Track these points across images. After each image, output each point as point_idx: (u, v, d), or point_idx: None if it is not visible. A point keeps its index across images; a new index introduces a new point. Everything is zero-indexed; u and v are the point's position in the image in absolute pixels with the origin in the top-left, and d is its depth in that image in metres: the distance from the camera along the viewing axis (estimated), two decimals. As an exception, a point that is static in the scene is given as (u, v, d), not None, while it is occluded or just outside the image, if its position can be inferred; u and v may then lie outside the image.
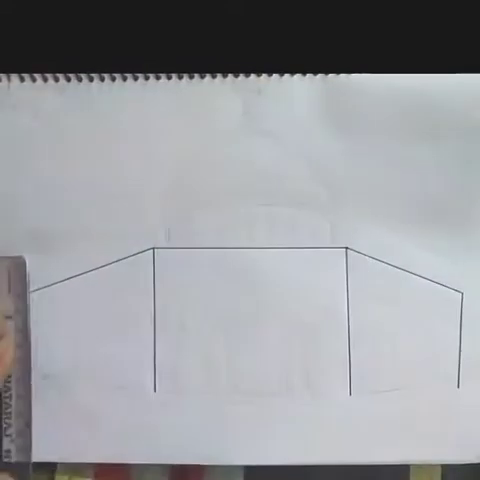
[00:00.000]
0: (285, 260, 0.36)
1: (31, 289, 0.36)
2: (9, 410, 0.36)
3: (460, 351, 0.35)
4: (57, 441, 0.36)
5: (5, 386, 0.36)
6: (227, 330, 0.36)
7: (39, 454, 0.36)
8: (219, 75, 0.35)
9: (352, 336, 0.35)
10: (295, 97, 0.35)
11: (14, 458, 0.36)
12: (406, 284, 0.35)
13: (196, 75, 0.35)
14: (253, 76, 0.35)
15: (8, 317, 0.35)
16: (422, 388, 0.35)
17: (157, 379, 0.36)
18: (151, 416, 0.36)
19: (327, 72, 0.35)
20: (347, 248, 0.36)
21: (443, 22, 0.32)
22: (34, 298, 0.36)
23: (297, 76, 0.35)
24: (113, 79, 0.36)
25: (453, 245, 0.36)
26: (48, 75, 0.36)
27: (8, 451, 0.36)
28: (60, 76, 0.36)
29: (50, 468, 0.36)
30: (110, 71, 0.35)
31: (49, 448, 0.36)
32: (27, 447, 0.35)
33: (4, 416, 0.36)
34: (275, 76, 0.35)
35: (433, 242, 0.36)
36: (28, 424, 0.35)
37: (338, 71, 0.35)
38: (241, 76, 0.35)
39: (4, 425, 0.36)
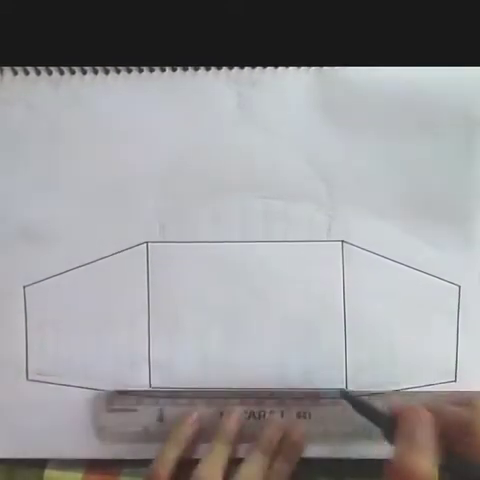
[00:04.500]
0: (281, 254, 0.35)
1: (25, 284, 0.36)
2: None
3: (457, 344, 0.35)
4: (49, 438, 0.35)
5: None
6: (223, 324, 0.35)
7: (30, 450, 0.36)
8: (213, 67, 0.35)
9: (348, 330, 0.35)
10: (290, 89, 0.35)
11: None
12: (403, 277, 0.35)
13: (190, 68, 0.35)
14: (247, 68, 0.35)
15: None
16: (419, 382, 0.34)
17: (152, 374, 0.35)
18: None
19: (322, 65, 0.35)
20: (343, 241, 0.35)
21: (441, 15, 0.32)
22: (27, 293, 0.36)
23: (292, 68, 0.35)
24: (106, 72, 0.36)
25: (451, 239, 0.35)
26: (41, 68, 0.35)
27: None
28: (53, 69, 0.36)
29: (40, 464, 0.36)
30: (103, 64, 0.35)
31: (40, 445, 0.36)
32: None
33: None
34: (269, 68, 0.35)
35: (431, 236, 0.35)
36: None
37: (334, 64, 0.34)
38: (235, 68, 0.35)
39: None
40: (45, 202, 0.36)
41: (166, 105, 0.36)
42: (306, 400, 0.34)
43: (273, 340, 0.35)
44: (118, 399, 0.35)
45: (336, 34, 0.33)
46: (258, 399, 0.34)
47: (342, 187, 0.35)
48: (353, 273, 0.35)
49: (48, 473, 0.36)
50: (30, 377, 0.36)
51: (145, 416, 0.35)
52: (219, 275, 0.36)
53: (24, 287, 0.36)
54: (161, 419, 0.34)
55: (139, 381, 0.35)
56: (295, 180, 0.36)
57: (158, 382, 0.35)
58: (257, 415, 0.34)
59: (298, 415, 0.34)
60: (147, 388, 0.35)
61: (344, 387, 0.35)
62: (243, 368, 0.35)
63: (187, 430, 0.33)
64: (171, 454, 0.32)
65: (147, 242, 0.36)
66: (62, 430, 0.35)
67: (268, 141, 0.35)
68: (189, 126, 0.36)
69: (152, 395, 0.35)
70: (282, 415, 0.34)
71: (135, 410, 0.35)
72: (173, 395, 0.35)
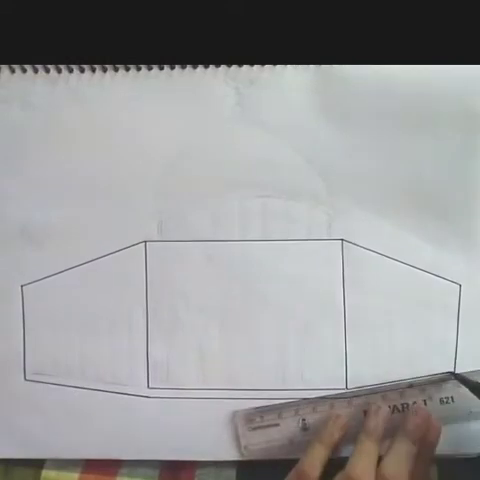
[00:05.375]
0: (280, 253, 0.35)
1: (23, 283, 0.36)
2: None
3: (457, 343, 0.34)
4: (47, 438, 0.35)
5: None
6: (221, 323, 0.35)
7: (27, 450, 0.35)
8: (212, 65, 0.35)
9: (348, 328, 0.35)
10: (289, 87, 0.35)
11: None
12: (403, 276, 0.35)
13: (188, 65, 0.35)
14: (246, 66, 0.35)
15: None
16: (419, 381, 0.34)
17: (150, 374, 0.35)
18: (144, 412, 0.35)
19: (321, 63, 0.35)
20: (343, 240, 0.35)
21: (441, 13, 0.32)
22: (25, 292, 0.36)
23: (290, 66, 0.35)
24: (104, 70, 0.35)
25: (451, 237, 0.35)
26: (39, 66, 0.35)
27: None
28: (51, 67, 0.35)
29: (37, 463, 0.36)
30: (102, 62, 0.35)
31: (38, 445, 0.35)
32: None
33: None
34: (268, 66, 0.35)
35: (431, 234, 0.35)
36: None
37: (333, 62, 0.34)
38: (234, 66, 0.35)
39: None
40: (43, 201, 0.36)
41: (164, 103, 0.35)
42: (447, 384, 0.34)
43: (272, 339, 0.35)
44: (258, 416, 0.35)
45: (335, 32, 0.33)
46: (399, 391, 0.34)
47: (342, 185, 0.35)
48: (353, 272, 0.35)
49: (45, 473, 0.35)
50: (28, 377, 0.36)
51: (288, 429, 0.35)
52: (218, 274, 0.35)
53: (22, 286, 0.36)
54: (305, 428, 0.34)
55: (137, 381, 0.35)
56: (294, 178, 0.35)
57: (156, 382, 0.35)
58: (400, 408, 0.34)
59: (441, 401, 0.34)
60: (145, 389, 0.35)
61: (344, 386, 0.35)
62: (242, 367, 0.35)
63: (335, 432, 0.33)
64: (320, 455, 0.32)
65: (145, 241, 0.35)
66: (59, 430, 0.35)
67: (267, 139, 0.35)
68: (187, 124, 0.35)
69: (291, 407, 0.35)
70: (425, 403, 0.34)
71: (277, 424, 0.35)
72: (313, 402, 0.35)
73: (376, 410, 0.33)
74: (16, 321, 0.36)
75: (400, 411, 0.34)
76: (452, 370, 0.34)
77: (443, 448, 0.33)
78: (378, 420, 0.32)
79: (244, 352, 0.35)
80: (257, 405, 0.35)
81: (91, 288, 0.35)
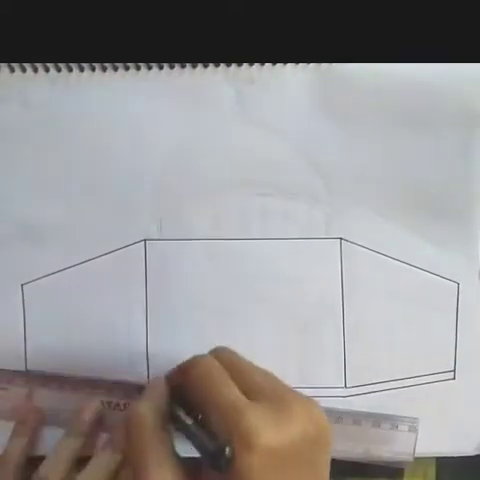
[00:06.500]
0: (279, 251, 0.35)
1: (23, 282, 0.36)
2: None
3: (456, 342, 0.35)
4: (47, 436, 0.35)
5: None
6: (220, 322, 0.35)
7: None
8: (211, 64, 0.35)
9: (347, 327, 0.35)
10: (288, 86, 0.35)
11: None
12: (401, 275, 0.35)
13: (188, 65, 0.35)
14: (246, 65, 0.35)
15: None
16: (418, 380, 0.34)
17: (151, 372, 0.35)
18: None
19: (321, 61, 0.35)
20: (342, 239, 0.35)
21: (441, 11, 0.32)
22: (25, 291, 0.36)
23: (290, 65, 0.35)
24: (104, 69, 0.35)
25: (450, 236, 0.35)
26: (38, 65, 0.35)
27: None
28: (50, 66, 0.35)
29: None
30: (101, 61, 0.35)
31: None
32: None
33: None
34: (268, 65, 0.35)
35: (430, 233, 0.35)
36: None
37: (332, 60, 0.34)
38: (233, 65, 0.35)
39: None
40: (43, 200, 0.36)
41: (164, 102, 0.35)
42: None
43: (271, 337, 0.35)
44: None
45: (335, 31, 0.33)
46: (125, 391, 0.34)
47: (341, 184, 0.35)
48: (351, 270, 0.35)
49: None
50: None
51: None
52: (217, 273, 0.35)
53: (22, 285, 0.36)
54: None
55: (137, 378, 0.35)
56: (293, 177, 0.35)
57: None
58: (122, 407, 0.34)
59: None
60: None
61: (343, 385, 0.35)
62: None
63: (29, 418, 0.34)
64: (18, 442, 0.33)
65: (145, 240, 0.36)
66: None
67: (266, 138, 0.35)
68: (187, 123, 0.35)
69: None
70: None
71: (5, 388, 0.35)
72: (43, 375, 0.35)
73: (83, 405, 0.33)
74: (17, 320, 0.36)
75: (122, 410, 0.34)
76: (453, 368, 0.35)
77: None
78: (83, 416, 0.33)
79: (242, 350, 0.35)
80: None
81: (91, 287, 0.36)
